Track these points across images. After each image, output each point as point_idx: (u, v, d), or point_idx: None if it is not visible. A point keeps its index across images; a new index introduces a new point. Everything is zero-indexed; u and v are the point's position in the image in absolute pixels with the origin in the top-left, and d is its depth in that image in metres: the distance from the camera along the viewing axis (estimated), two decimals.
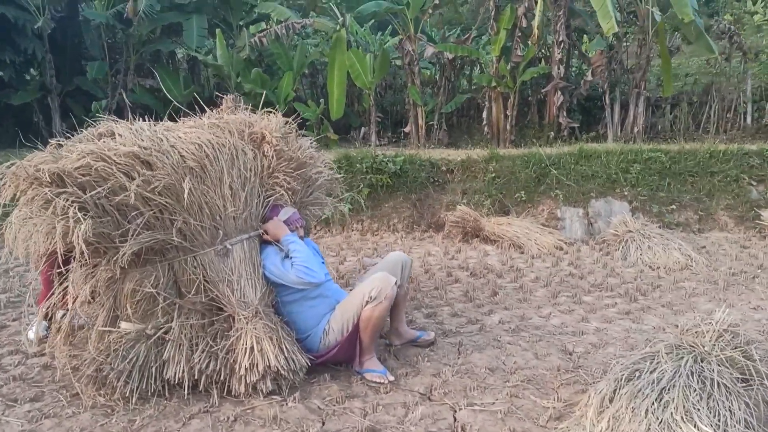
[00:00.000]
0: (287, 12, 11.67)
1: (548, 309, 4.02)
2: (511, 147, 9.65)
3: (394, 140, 12.19)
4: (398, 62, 13.25)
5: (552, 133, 10.21)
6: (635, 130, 10.10)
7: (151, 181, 2.66)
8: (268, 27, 11.74)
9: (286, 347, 2.78)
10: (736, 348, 2.60)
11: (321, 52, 12.59)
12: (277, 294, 2.99)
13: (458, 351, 3.26)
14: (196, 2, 12.43)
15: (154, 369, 2.74)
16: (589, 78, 10.22)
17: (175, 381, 2.70)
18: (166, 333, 2.79)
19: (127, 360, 2.70)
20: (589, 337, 3.46)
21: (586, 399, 2.41)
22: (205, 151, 2.86)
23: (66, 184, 2.55)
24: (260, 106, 3.40)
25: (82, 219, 2.47)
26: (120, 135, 2.82)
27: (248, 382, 2.68)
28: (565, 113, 10.19)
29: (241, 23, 13.21)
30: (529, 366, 3.04)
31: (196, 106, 3.49)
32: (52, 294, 2.83)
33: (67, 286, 2.77)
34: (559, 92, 10.10)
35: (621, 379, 2.34)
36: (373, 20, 15.25)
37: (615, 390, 2.30)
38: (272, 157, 3.12)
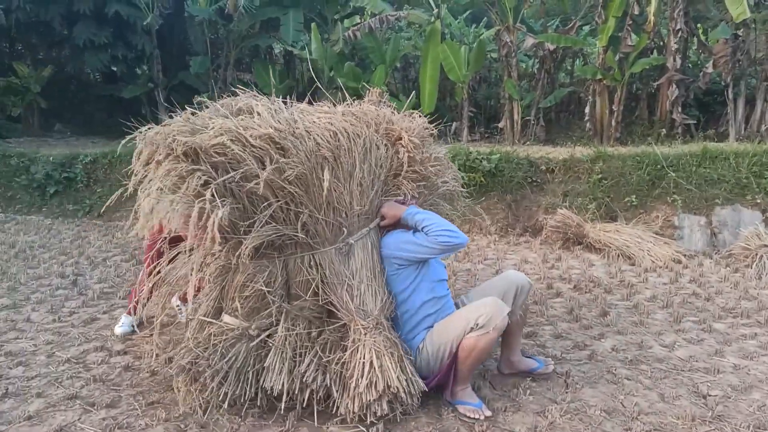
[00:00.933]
0: (382, 4, 11.48)
1: (671, 336, 3.47)
2: (616, 144, 8.87)
3: (486, 136, 11.68)
4: (493, 55, 12.69)
5: (664, 130, 9.30)
6: (762, 128, 8.96)
7: (284, 169, 2.44)
8: (362, 20, 11.61)
9: (407, 366, 2.49)
10: None
11: (414, 45, 12.30)
12: (402, 294, 2.66)
13: (566, 383, 2.83)
14: None
15: (251, 374, 2.54)
16: (710, 70, 9.17)
17: (272, 392, 2.46)
18: (269, 336, 2.57)
19: (226, 359, 2.50)
20: (727, 377, 2.90)
21: None
22: (340, 140, 2.62)
23: (200, 161, 2.37)
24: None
25: (220, 205, 2.28)
26: (259, 114, 2.62)
27: (364, 401, 2.39)
28: (680, 108, 9.24)
29: (336, 17, 13.20)
30: (654, 410, 2.56)
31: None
32: (153, 279, 2.73)
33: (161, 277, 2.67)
34: (674, 85, 9.16)
35: None
36: (468, 12, 14.75)
37: None
38: (404, 161, 2.85)
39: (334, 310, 2.63)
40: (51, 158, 8.38)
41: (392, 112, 3.03)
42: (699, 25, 10.50)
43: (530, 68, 12.53)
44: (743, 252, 5.20)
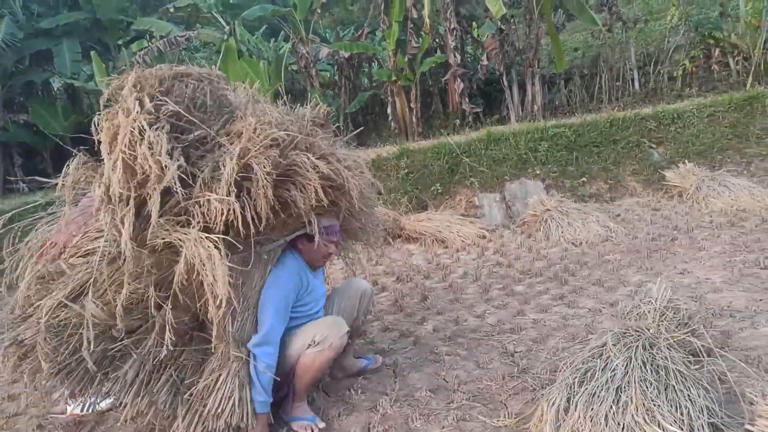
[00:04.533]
0: (168, 26, 10.96)
1: (482, 307, 3.81)
2: (420, 139, 9.53)
3: None
4: (294, 67, 12.83)
5: (458, 120, 10.22)
6: (535, 108, 10.30)
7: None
8: (150, 44, 10.96)
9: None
10: (680, 325, 2.49)
11: (213, 65, 11.96)
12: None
13: (394, 373, 2.95)
14: (65, 26, 11.42)
15: (99, 376, 2.26)
16: (485, 62, 10.30)
17: (118, 403, 2.28)
18: (134, 343, 2.26)
19: (76, 357, 2.17)
20: (528, 332, 3.27)
21: (539, 412, 2.18)
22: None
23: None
24: None
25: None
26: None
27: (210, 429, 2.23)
28: (467, 99, 10.22)
29: (119, 43, 12.30)
30: (472, 378, 2.78)
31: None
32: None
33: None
34: (459, 79, 10.11)
35: (573, 384, 2.13)
36: (264, 27, 14.70)
37: (569, 398, 2.09)
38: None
39: (208, 326, 2.31)
40: None
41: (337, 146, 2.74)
42: (474, 23, 11.71)
43: (332, 76, 12.90)
44: (533, 218, 5.91)
